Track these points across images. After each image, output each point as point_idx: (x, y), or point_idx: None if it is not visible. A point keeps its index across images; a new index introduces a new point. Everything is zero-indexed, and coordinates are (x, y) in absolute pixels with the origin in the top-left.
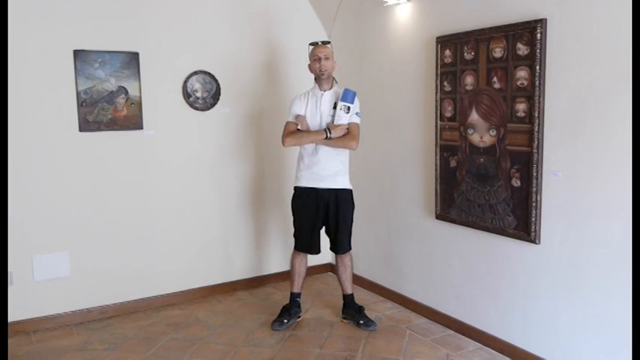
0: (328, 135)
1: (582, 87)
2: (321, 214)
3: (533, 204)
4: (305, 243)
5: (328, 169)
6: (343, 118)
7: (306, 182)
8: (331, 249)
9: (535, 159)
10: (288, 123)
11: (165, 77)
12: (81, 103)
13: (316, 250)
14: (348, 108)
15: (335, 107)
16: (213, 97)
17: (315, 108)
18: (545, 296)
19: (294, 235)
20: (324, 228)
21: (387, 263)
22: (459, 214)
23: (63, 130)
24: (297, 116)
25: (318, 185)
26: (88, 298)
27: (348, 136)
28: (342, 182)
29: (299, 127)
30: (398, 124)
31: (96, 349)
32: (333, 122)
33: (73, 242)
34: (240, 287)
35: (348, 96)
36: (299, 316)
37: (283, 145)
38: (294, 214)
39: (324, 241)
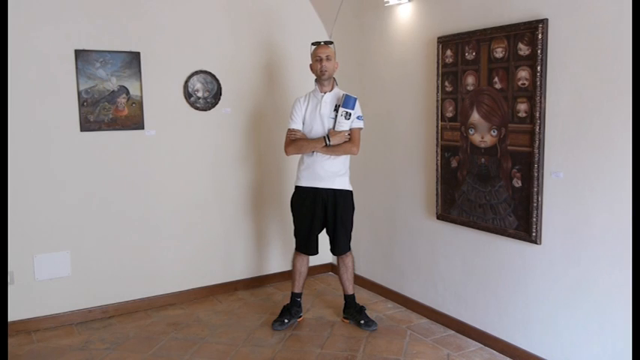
0: (327, 142)
1: (583, 87)
2: (320, 215)
3: (535, 204)
4: (302, 243)
5: (327, 169)
6: (344, 125)
7: (305, 182)
8: (330, 250)
9: (536, 159)
10: (289, 131)
11: (167, 77)
12: (82, 103)
13: (313, 250)
14: (349, 114)
15: (336, 110)
16: (214, 97)
17: (316, 111)
18: (546, 296)
19: (294, 235)
20: (324, 229)
21: (387, 263)
22: (459, 215)
23: (64, 130)
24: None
25: (317, 185)
26: (89, 298)
27: (348, 142)
28: (341, 183)
29: (298, 136)
30: (399, 124)
31: (97, 348)
32: (334, 127)
33: (74, 242)
34: (241, 287)
35: (349, 102)
36: (300, 316)
37: (286, 154)
38: (293, 214)
39: (324, 242)
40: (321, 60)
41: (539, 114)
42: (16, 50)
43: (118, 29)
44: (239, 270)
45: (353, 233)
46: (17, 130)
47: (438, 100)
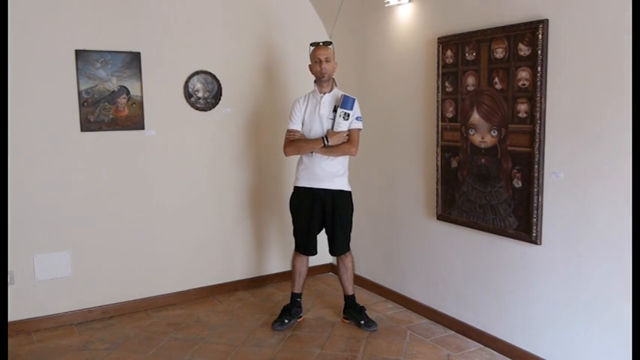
0: (326, 143)
1: (583, 88)
2: (318, 215)
3: (535, 205)
4: (301, 243)
5: (326, 170)
6: (342, 125)
7: (304, 182)
8: (329, 251)
9: (536, 159)
10: (288, 131)
11: (167, 77)
12: (82, 103)
13: (312, 251)
14: (348, 115)
15: (335, 110)
16: (214, 97)
17: (315, 111)
18: (546, 297)
19: (294, 235)
20: (324, 229)
21: (388, 263)
22: (460, 215)
23: (64, 130)
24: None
25: (316, 185)
26: (89, 298)
27: (347, 142)
28: (339, 183)
29: (297, 136)
30: (399, 125)
31: (97, 348)
32: (332, 127)
33: (75, 242)
34: (241, 287)
35: (347, 103)
36: (300, 316)
37: (285, 154)
38: (292, 214)
39: (324, 242)
40: (320, 62)
41: (540, 114)
42: (16, 50)
43: (118, 29)
44: (239, 270)
45: (353, 233)
46: (17, 130)
47: (438, 101)
